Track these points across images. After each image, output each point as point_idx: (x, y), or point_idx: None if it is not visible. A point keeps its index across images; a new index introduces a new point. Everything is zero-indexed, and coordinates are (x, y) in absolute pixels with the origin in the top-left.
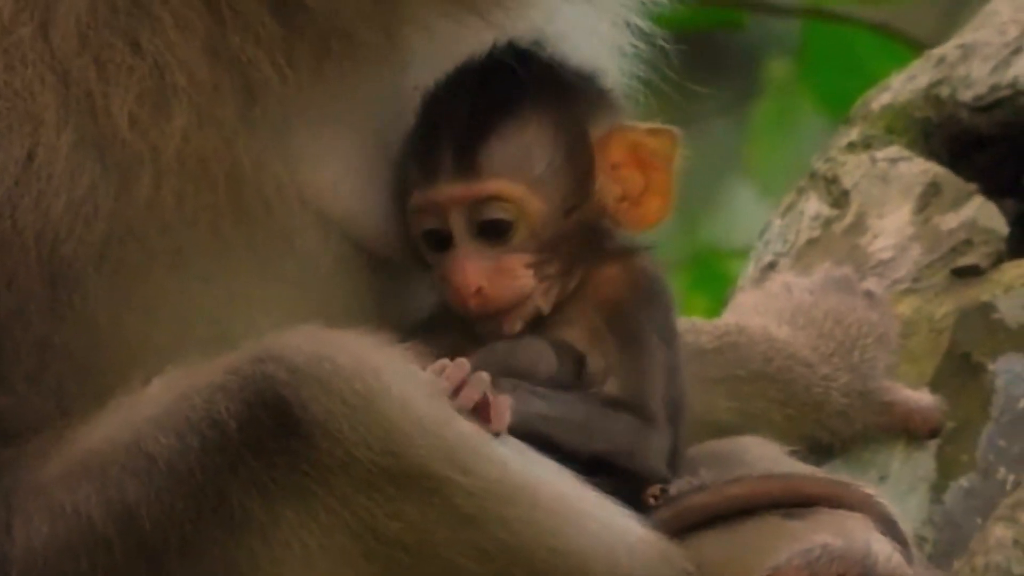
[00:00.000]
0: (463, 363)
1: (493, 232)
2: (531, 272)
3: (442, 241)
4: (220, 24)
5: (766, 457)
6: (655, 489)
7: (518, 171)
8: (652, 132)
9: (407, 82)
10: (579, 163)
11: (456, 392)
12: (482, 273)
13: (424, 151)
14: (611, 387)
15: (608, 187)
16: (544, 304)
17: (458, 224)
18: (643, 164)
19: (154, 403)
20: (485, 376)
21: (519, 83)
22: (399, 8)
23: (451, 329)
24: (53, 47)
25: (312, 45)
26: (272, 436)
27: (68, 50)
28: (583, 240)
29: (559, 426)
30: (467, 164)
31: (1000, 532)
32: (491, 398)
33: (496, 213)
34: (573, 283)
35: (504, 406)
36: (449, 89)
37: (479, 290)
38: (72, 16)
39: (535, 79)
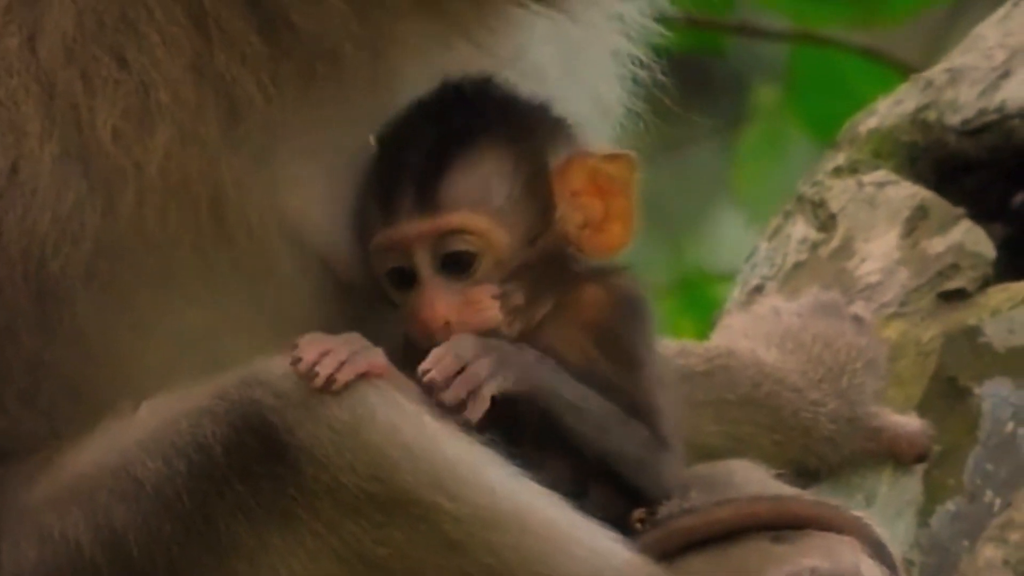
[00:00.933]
0: (457, 355)
1: (457, 265)
2: (497, 304)
3: (406, 278)
4: (207, 42)
5: (754, 480)
6: (640, 513)
7: (480, 203)
8: (610, 158)
9: (394, 105)
10: (539, 192)
11: (446, 384)
12: (449, 307)
13: (383, 190)
14: (597, 373)
15: (569, 215)
16: (510, 334)
17: (423, 260)
18: (602, 191)
19: (142, 427)
20: (483, 365)
21: (474, 116)
22: (386, 29)
23: (421, 362)
24: (39, 58)
25: (298, 66)
26: (258, 461)
27: (54, 62)
28: (548, 269)
29: (575, 413)
30: (428, 199)
31: (990, 553)
32: (480, 389)
33: (460, 246)
34: (542, 311)
35: (484, 401)
36: (403, 127)
37: (446, 324)
38: (59, 29)
39: (490, 112)
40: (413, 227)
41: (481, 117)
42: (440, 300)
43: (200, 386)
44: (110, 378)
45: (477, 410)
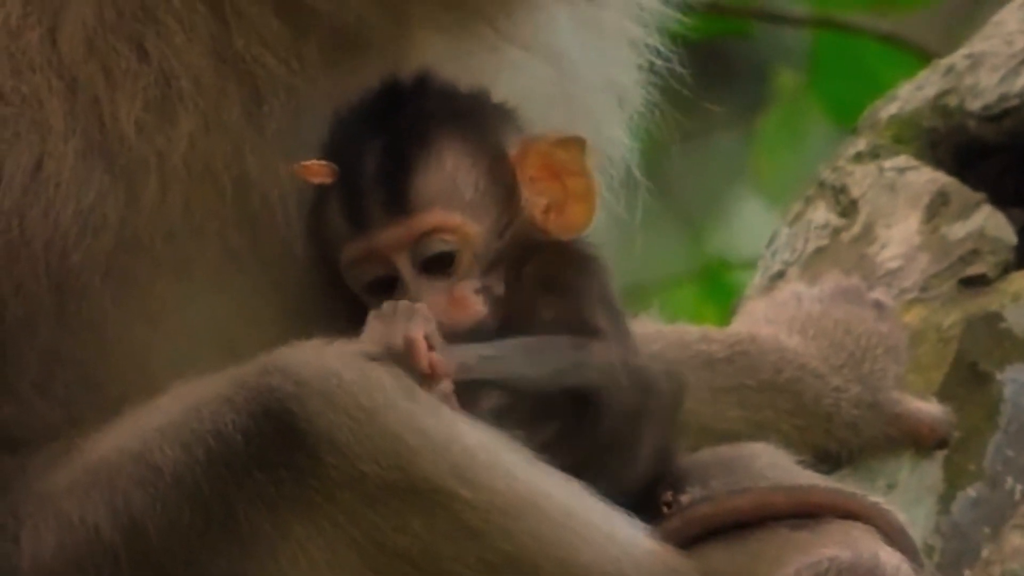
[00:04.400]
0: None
1: (438, 266)
2: (481, 298)
3: (386, 285)
4: (225, 28)
5: (775, 465)
6: (668, 495)
7: (450, 200)
8: (561, 143)
9: None
10: (503, 181)
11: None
12: (436, 307)
13: (347, 202)
14: (547, 315)
15: (533, 200)
16: (494, 324)
17: (404, 265)
18: (558, 173)
19: (162, 414)
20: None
21: (423, 114)
22: (404, 13)
23: None
24: (61, 53)
25: (319, 47)
26: (278, 450)
27: (75, 56)
28: (519, 254)
29: (505, 362)
30: (399, 203)
31: (1017, 541)
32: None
33: (439, 247)
34: (518, 294)
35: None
36: (350, 136)
37: (438, 325)
38: (79, 21)
39: (437, 107)
40: (389, 234)
41: (430, 113)
42: (428, 303)
43: (220, 374)
44: (125, 369)
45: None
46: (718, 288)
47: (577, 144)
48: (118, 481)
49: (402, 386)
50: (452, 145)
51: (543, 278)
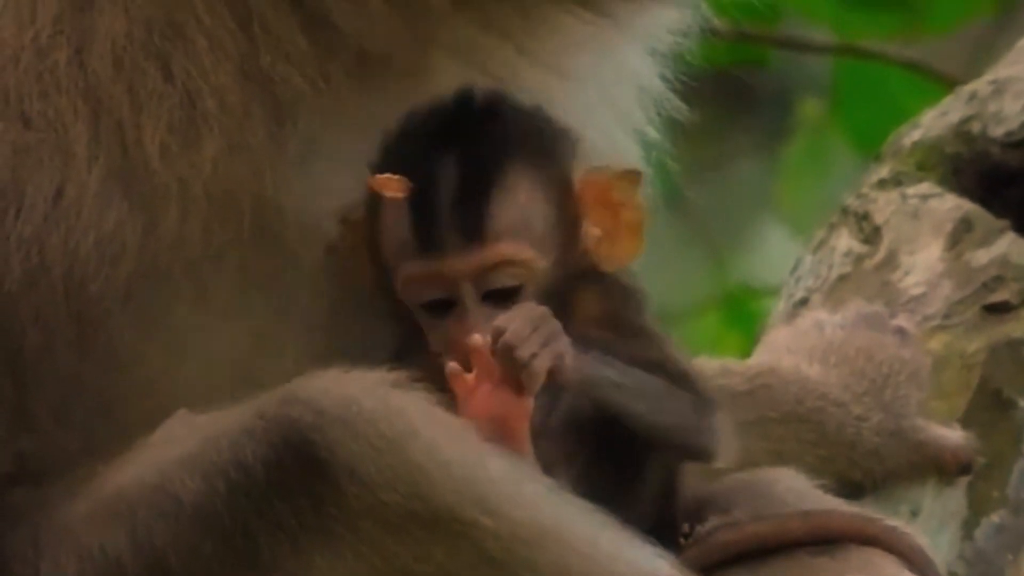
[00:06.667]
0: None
1: (501, 296)
2: None
3: (443, 306)
4: (252, 45)
5: (795, 489)
6: (686, 528)
7: (522, 233)
8: (619, 175)
9: None
10: (568, 214)
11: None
12: None
13: (420, 222)
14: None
15: (589, 231)
16: None
17: (468, 292)
18: (613, 206)
19: (182, 445)
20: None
21: (500, 139)
22: (428, 33)
23: (422, 359)
24: (88, 73)
25: (343, 66)
26: (298, 480)
27: (103, 76)
28: (569, 285)
29: (629, 394)
30: (474, 233)
31: None
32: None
33: (507, 281)
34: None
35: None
36: (423, 149)
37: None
38: (109, 39)
39: (513, 132)
40: (459, 261)
41: (506, 138)
42: (484, 329)
43: (239, 405)
44: (143, 397)
45: (543, 365)
46: (742, 315)
47: (634, 177)
48: (139, 512)
49: (423, 414)
50: (528, 176)
51: (593, 318)
